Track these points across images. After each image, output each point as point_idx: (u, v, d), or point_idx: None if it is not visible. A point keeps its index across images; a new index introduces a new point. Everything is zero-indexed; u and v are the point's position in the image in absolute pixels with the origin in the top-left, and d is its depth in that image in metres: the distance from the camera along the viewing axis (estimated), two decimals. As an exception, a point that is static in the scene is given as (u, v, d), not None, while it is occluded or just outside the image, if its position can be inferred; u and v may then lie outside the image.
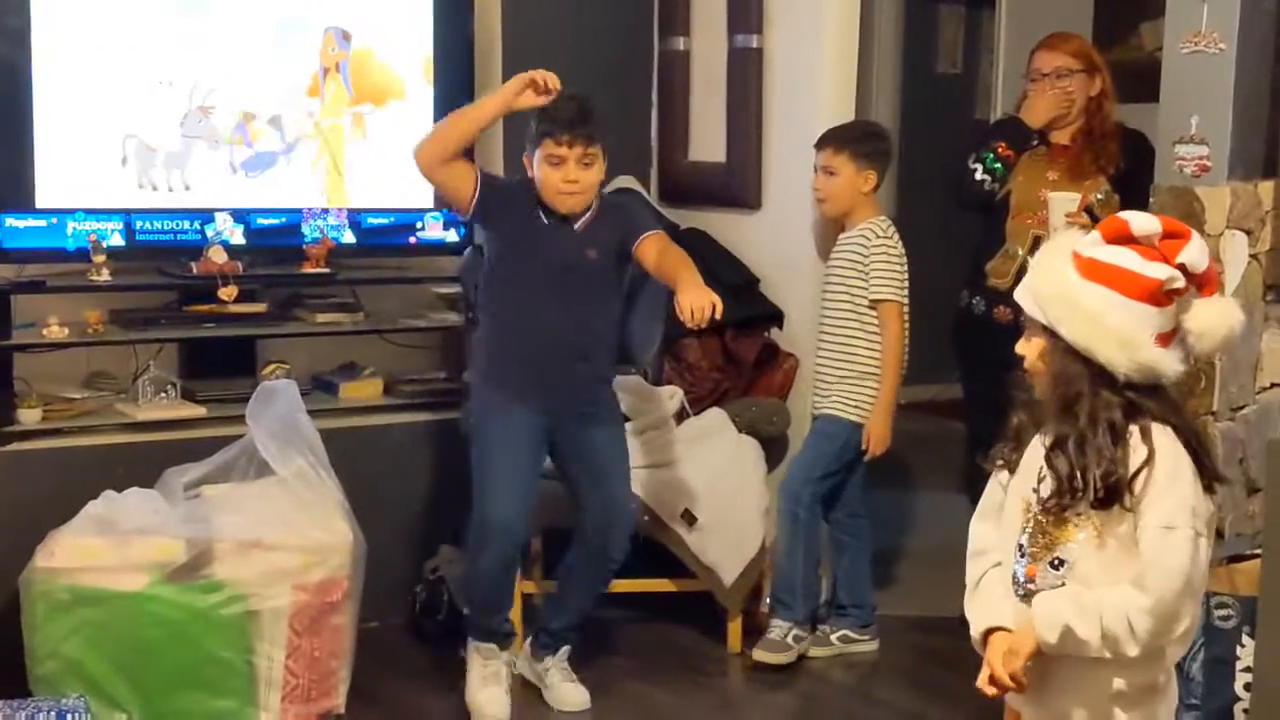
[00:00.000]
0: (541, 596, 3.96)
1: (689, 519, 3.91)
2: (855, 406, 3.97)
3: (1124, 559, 2.10)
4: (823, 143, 4.01)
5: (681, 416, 4.11)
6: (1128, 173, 4.00)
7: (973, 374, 4.23)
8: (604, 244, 3.52)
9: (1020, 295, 2.20)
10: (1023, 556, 2.18)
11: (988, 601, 2.23)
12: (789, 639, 3.96)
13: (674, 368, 4.30)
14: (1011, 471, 2.22)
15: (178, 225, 4.09)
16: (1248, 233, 3.91)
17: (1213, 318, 2.12)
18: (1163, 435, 2.10)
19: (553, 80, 3.39)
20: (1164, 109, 4.03)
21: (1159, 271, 2.08)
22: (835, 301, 4.01)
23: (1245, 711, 2.95)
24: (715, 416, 4.12)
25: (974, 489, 4.32)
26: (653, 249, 3.45)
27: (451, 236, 4.46)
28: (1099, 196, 3.97)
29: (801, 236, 4.30)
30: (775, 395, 4.29)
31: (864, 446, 3.96)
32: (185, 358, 4.21)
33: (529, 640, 3.77)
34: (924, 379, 7.30)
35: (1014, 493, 2.21)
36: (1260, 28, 3.89)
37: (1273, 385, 3.77)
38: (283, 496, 3.56)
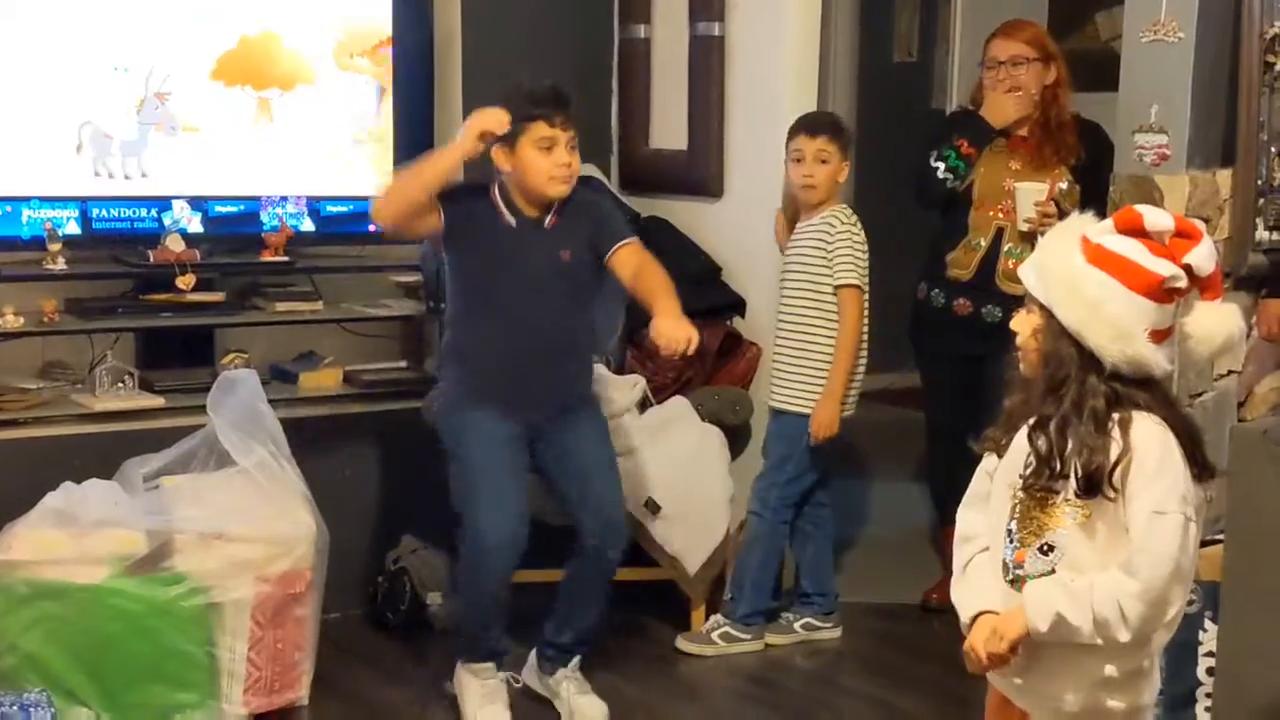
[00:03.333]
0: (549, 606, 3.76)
1: (652, 508, 3.91)
2: (815, 399, 3.93)
3: (1114, 545, 2.11)
4: (816, 130, 3.94)
5: (644, 405, 4.10)
6: (1087, 163, 4.01)
7: (931, 365, 4.25)
8: (575, 243, 3.43)
9: (1024, 270, 2.20)
10: (1011, 542, 2.18)
11: (975, 586, 2.24)
12: (714, 635, 3.98)
13: (636, 356, 4.28)
14: (1000, 455, 2.22)
15: (134, 213, 4.04)
16: (1205, 220, 3.94)
17: (1212, 323, 2.13)
18: (1148, 425, 2.10)
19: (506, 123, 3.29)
20: (1123, 98, 4.05)
21: (1163, 268, 2.08)
22: (796, 290, 3.97)
23: (1208, 695, 2.97)
24: (678, 405, 4.12)
25: (934, 477, 4.38)
26: (629, 262, 3.41)
27: (412, 225, 4.42)
28: (1062, 186, 3.98)
29: (764, 224, 4.29)
30: (738, 384, 4.29)
31: (810, 430, 3.92)
32: (142, 347, 4.16)
33: (534, 652, 3.64)
34: (879, 368, 7.39)
35: (1002, 478, 2.21)
36: (1218, 15, 3.91)
37: (1230, 373, 3.80)
38: (244, 487, 3.53)
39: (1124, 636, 2.09)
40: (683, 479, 3.96)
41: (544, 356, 3.44)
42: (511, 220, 3.41)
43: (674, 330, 3.23)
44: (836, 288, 3.90)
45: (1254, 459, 2.76)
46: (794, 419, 3.94)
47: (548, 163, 3.33)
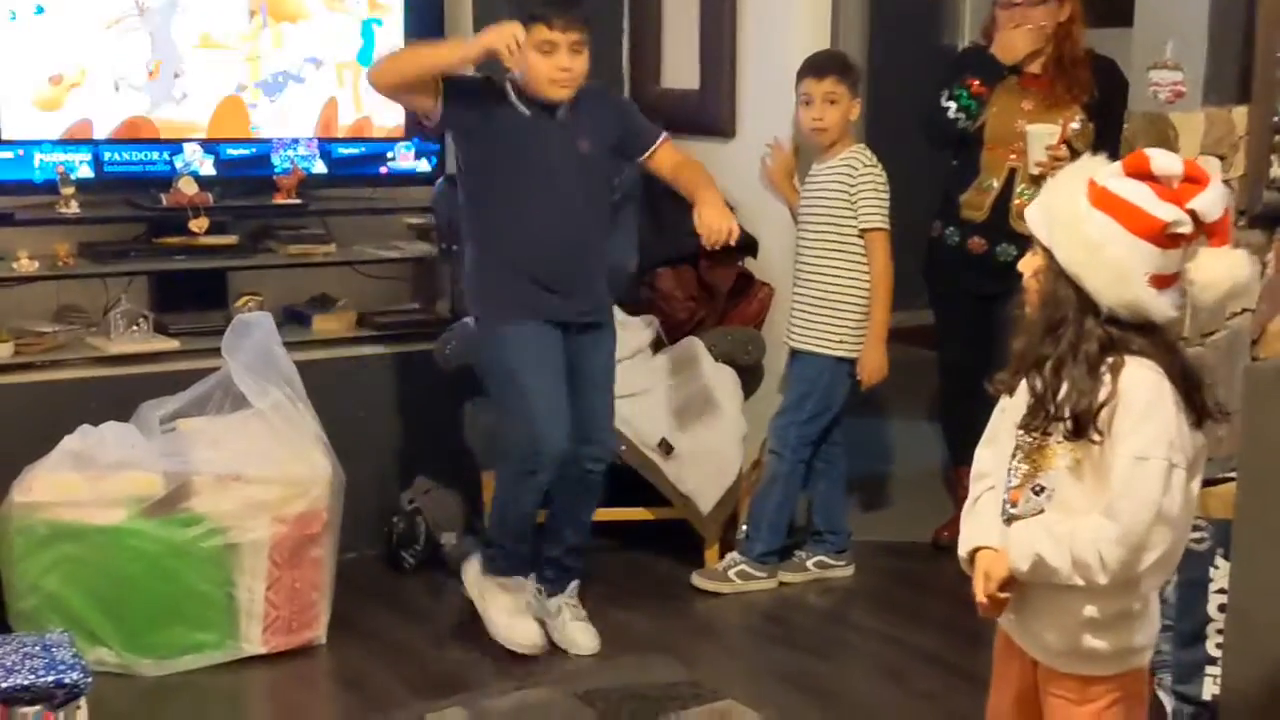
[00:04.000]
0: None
1: (665, 448, 3.92)
2: (839, 341, 3.94)
3: (1101, 488, 2.10)
4: (823, 71, 3.92)
5: (658, 346, 4.11)
6: (1100, 101, 3.99)
7: (945, 304, 4.25)
8: (595, 136, 3.44)
9: (1029, 211, 2.19)
10: (1010, 481, 2.20)
11: (978, 523, 2.25)
12: (730, 572, 4.01)
13: (649, 297, 4.28)
14: (1010, 395, 2.22)
15: (146, 157, 4.04)
16: (1221, 158, 3.92)
17: (1218, 269, 2.09)
18: (1139, 370, 2.08)
19: (523, 39, 3.27)
20: (1138, 34, 4.02)
21: (1167, 212, 2.05)
22: (817, 232, 3.96)
23: (1219, 632, 2.99)
24: (691, 346, 4.12)
25: (947, 416, 4.39)
26: (668, 159, 3.48)
27: (423, 166, 4.43)
28: (1075, 126, 3.96)
29: (776, 165, 4.28)
30: (750, 324, 4.29)
31: (858, 377, 3.95)
32: (156, 291, 4.18)
33: (533, 575, 3.67)
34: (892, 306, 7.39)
35: (1008, 418, 2.22)
36: (1236, -50, 3.87)
37: (1244, 311, 3.79)
38: (260, 429, 3.55)
39: (1102, 579, 2.08)
40: (696, 419, 3.97)
41: (564, 252, 3.44)
42: (525, 110, 3.40)
43: (717, 219, 3.34)
44: (863, 231, 3.89)
45: (1267, 398, 2.76)
46: (814, 359, 3.96)
47: (547, 65, 3.32)
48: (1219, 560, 3.00)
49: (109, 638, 3.37)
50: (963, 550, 2.26)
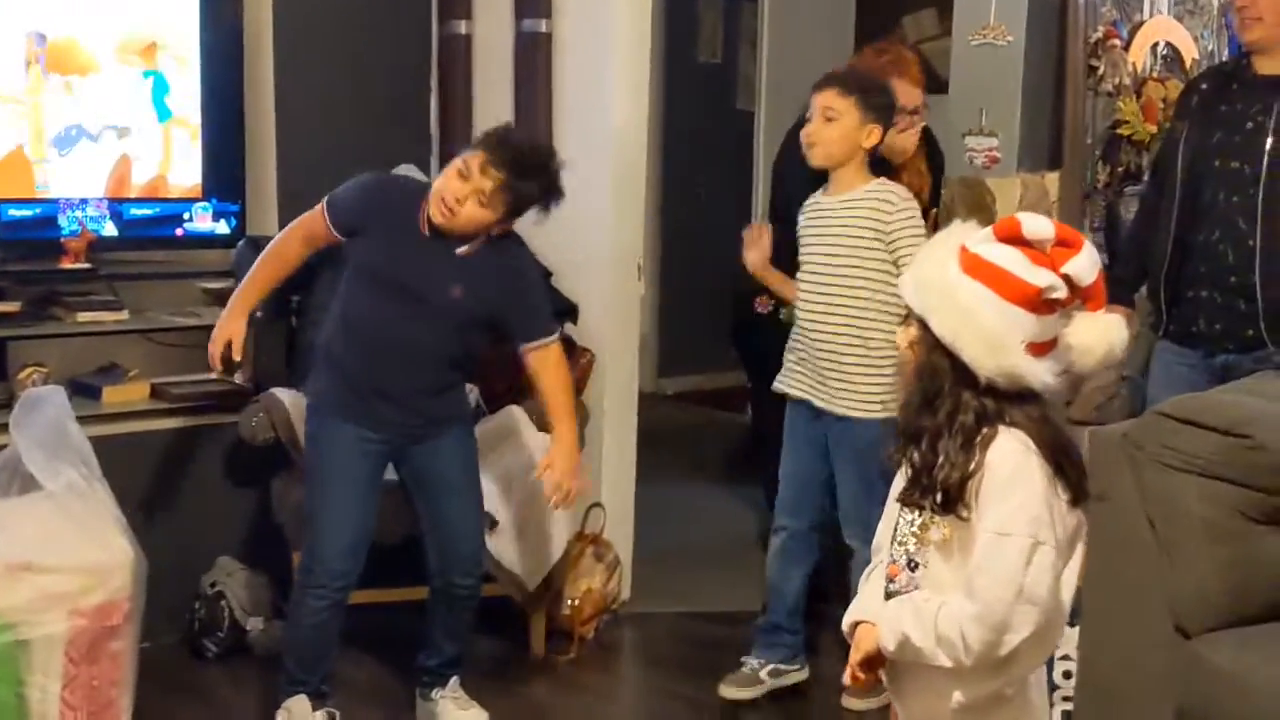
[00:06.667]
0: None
1: (489, 522, 3.75)
2: (881, 400, 3.37)
3: (969, 565, 2.05)
4: (825, 84, 3.43)
5: (477, 415, 3.95)
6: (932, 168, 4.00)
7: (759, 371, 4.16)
8: (477, 293, 3.24)
9: (902, 280, 2.14)
10: (891, 556, 2.13)
11: (862, 596, 2.19)
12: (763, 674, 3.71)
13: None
14: (897, 467, 2.15)
15: (-82, 218, 3.73)
16: (1035, 223, 3.99)
17: (1093, 333, 2.05)
18: (1007, 442, 2.03)
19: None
20: (954, 101, 4.10)
21: (1041, 278, 2.00)
22: (842, 275, 3.45)
23: (1065, 699, 2.98)
24: (513, 414, 3.98)
25: (766, 484, 4.28)
26: (544, 366, 3.33)
27: (222, 228, 4.19)
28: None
29: (595, 227, 4.19)
30: (571, 391, 4.16)
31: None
32: (-74, 363, 3.84)
33: (417, 688, 3.54)
34: (687, 370, 7.40)
35: (892, 492, 2.16)
36: (1044, 19, 3.98)
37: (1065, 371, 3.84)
38: (53, 513, 3.26)
39: (967, 660, 2.03)
40: (519, 492, 3.82)
41: (406, 382, 3.27)
42: (425, 230, 3.23)
43: (567, 480, 3.30)
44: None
45: (1112, 462, 2.77)
46: (874, 426, 3.40)
47: (446, 185, 3.17)
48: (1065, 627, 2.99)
49: (-119, 749, 3.05)
50: (845, 622, 2.20)
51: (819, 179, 3.53)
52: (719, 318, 7.04)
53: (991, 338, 2.02)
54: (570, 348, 4.20)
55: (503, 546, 3.79)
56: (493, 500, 3.77)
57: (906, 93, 3.75)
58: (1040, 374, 2.04)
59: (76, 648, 3.21)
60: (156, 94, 4.05)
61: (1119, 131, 4.08)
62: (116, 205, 4.02)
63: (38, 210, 3.89)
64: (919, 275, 2.10)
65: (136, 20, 3.97)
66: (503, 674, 3.86)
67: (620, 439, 4.30)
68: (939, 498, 2.04)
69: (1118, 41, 4.02)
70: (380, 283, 3.25)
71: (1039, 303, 2.02)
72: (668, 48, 7.29)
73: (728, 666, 3.87)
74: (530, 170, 3.20)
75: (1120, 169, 4.10)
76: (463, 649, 3.52)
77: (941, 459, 2.04)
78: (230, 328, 3.40)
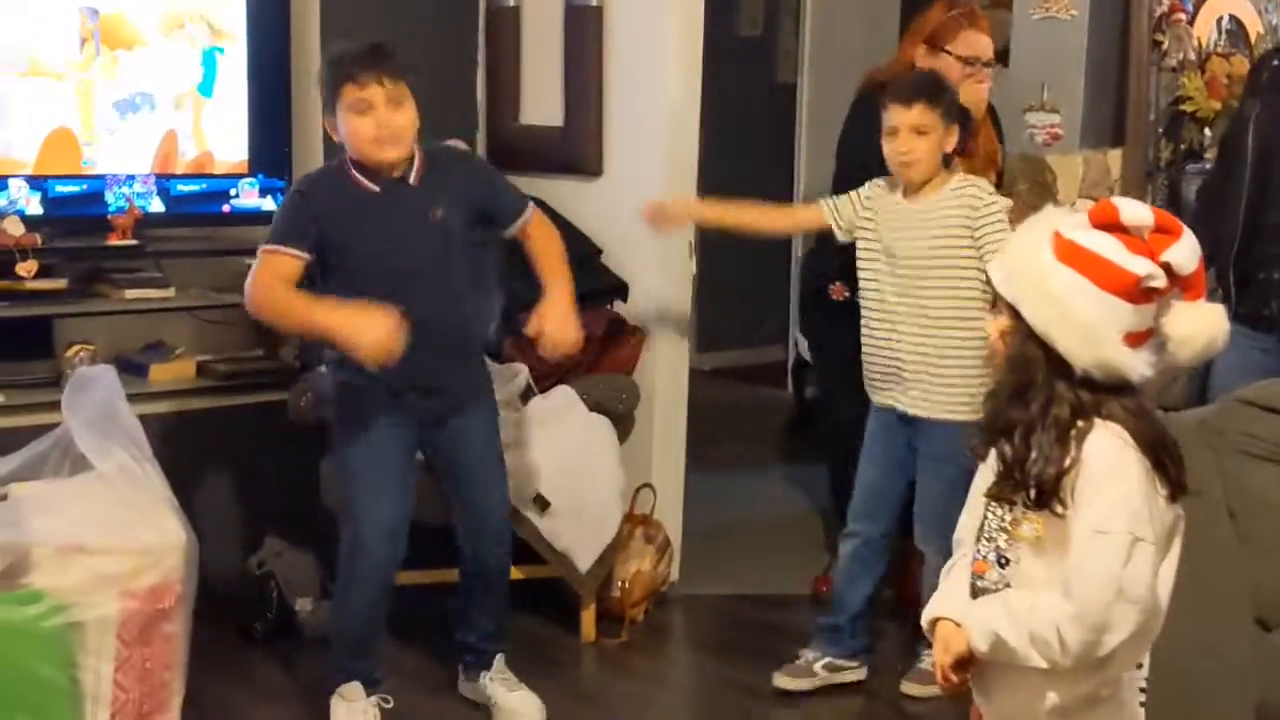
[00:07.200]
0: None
1: (541, 504, 3.72)
2: (971, 401, 3.27)
3: (1064, 562, 1.99)
4: (910, 97, 3.34)
5: (527, 396, 3.90)
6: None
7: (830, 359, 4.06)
8: (453, 204, 3.15)
9: (992, 267, 2.07)
10: (977, 551, 2.07)
11: (943, 591, 2.13)
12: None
13: (515, 344, 4.06)
14: (981, 460, 2.09)
15: (-34, 194, 3.68)
16: (1095, 201, 3.91)
17: (1194, 324, 1.98)
18: (1103, 435, 1.97)
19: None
20: (1014, 76, 4.02)
21: (1139, 266, 1.93)
22: (935, 276, 3.39)
23: (1141, 689, 2.91)
24: (564, 395, 3.92)
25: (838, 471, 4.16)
26: (537, 233, 3.27)
27: (269, 204, 4.13)
28: None
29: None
30: (622, 371, 4.11)
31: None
32: (-27, 340, 3.81)
33: (460, 666, 3.49)
34: (725, 345, 7.34)
35: (977, 484, 2.09)
36: (1112, -8, 3.89)
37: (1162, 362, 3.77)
38: (104, 494, 3.22)
39: (1065, 661, 1.96)
40: (573, 472, 3.77)
41: (428, 341, 3.08)
42: (373, 186, 3.12)
43: (560, 331, 3.15)
44: None
45: (1190, 450, 2.69)
46: (948, 428, 3.37)
47: (367, 125, 3.04)
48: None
49: (-64, 732, 3.02)
50: (924, 618, 2.14)
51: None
52: (756, 292, 7.03)
53: (1088, 328, 1.95)
54: (620, 327, 4.15)
55: (557, 528, 3.75)
56: (545, 481, 3.73)
57: (978, 42, 3.68)
58: (1137, 365, 1.97)
59: (129, 630, 3.17)
60: (204, 69, 4.00)
61: (1182, 108, 4.00)
62: (163, 181, 3.98)
63: (84, 186, 3.86)
64: (1010, 262, 2.03)
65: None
66: (552, 657, 3.81)
67: (670, 419, 4.24)
68: (1032, 493, 1.97)
69: (1183, 15, 3.94)
70: (372, 261, 3.11)
71: (1137, 292, 1.94)
72: (708, 20, 7.19)
73: (778, 652, 3.81)
74: (389, 48, 3.10)
75: (1183, 146, 4.01)
76: (502, 624, 3.46)
77: (1034, 453, 1.97)
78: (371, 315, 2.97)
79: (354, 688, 3.30)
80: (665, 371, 4.22)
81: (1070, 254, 1.96)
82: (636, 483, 4.06)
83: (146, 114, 3.92)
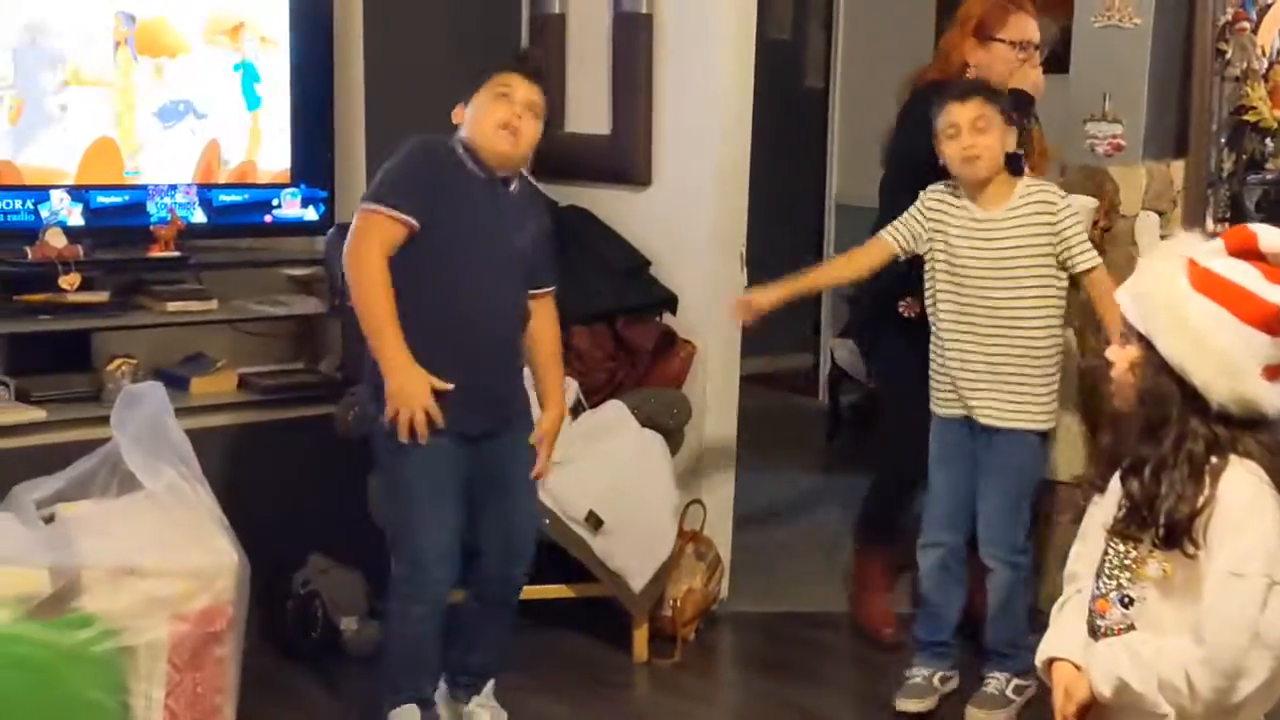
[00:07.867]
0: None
1: (594, 522, 3.63)
2: (1048, 412, 3.39)
3: (1193, 605, 1.91)
4: (967, 94, 3.31)
5: (577, 410, 3.82)
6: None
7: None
8: (528, 229, 3.17)
9: (1120, 296, 1.99)
10: (1098, 588, 1.99)
11: (1058, 629, 2.06)
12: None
13: (564, 357, 3.99)
14: (1100, 493, 2.01)
15: (8, 205, 3.60)
16: (1160, 213, 3.84)
17: None
18: (1240, 474, 1.89)
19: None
20: (1074, 85, 3.93)
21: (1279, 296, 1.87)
22: (1013, 285, 3.32)
23: None
24: (615, 409, 3.84)
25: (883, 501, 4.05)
26: (548, 312, 3.26)
27: (311, 215, 4.08)
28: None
29: (696, 214, 4.05)
30: (672, 385, 4.02)
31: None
32: (12, 353, 3.72)
33: (443, 679, 3.32)
34: (756, 351, 7.26)
35: (1098, 517, 2.02)
36: (1174, 1, 3.81)
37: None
38: (154, 515, 3.14)
39: (1194, 708, 1.89)
40: (626, 489, 3.69)
41: (497, 351, 3.12)
42: (480, 173, 3.07)
43: (548, 461, 3.24)
44: (1085, 272, 3.31)
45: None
46: (1036, 441, 3.40)
47: (500, 111, 3.02)
48: None
49: (-13, 758, 2.94)
50: (1039, 657, 2.06)
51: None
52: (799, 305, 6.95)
53: (1227, 361, 1.88)
54: (671, 339, 4.07)
55: (610, 547, 3.67)
56: (598, 498, 3.65)
57: (1027, 26, 3.62)
58: (1276, 400, 1.91)
59: (180, 653, 3.10)
60: (245, 78, 3.93)
61: (1244, 118, 3.91)
62: (205, 191, 3.90)
63: (127, 197, 3.78)
64: (1141, 290, 1.95)
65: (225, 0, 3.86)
66: (605, 678, 3.73)
67: (720, 434, 4.16)
68: (1161, 532, 1.90)
69: (1247, 24, 3.85)
70: (467, 247, 3.04)
71: (1276, 324, 1.88)
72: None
73: (830, 671, 3.77)
74: (544, 74, 3.15)
75: (1244, 156, 3.94)
76: (505, 649, 3.35)
77: (1165, 490, 1.90)
78: (424, 387, 3.00)
79: (410, 710, 3.21)
80: (715, 385, 4.14)
81: (1207, 283, 1.89)
82: (686, 498, 3.98)
83: (190, 122, 3.85)
